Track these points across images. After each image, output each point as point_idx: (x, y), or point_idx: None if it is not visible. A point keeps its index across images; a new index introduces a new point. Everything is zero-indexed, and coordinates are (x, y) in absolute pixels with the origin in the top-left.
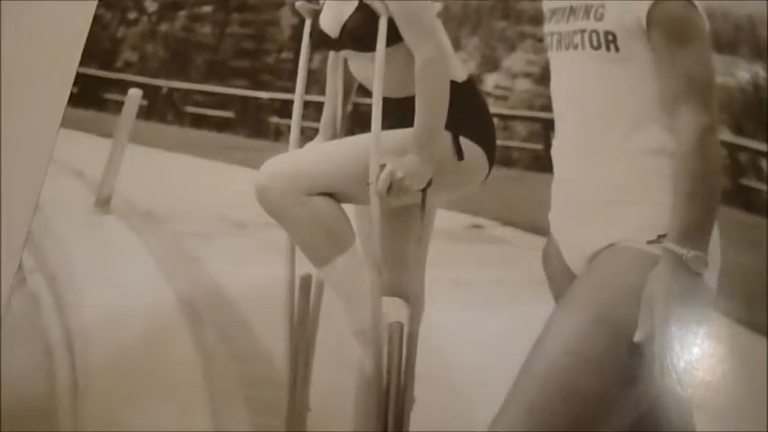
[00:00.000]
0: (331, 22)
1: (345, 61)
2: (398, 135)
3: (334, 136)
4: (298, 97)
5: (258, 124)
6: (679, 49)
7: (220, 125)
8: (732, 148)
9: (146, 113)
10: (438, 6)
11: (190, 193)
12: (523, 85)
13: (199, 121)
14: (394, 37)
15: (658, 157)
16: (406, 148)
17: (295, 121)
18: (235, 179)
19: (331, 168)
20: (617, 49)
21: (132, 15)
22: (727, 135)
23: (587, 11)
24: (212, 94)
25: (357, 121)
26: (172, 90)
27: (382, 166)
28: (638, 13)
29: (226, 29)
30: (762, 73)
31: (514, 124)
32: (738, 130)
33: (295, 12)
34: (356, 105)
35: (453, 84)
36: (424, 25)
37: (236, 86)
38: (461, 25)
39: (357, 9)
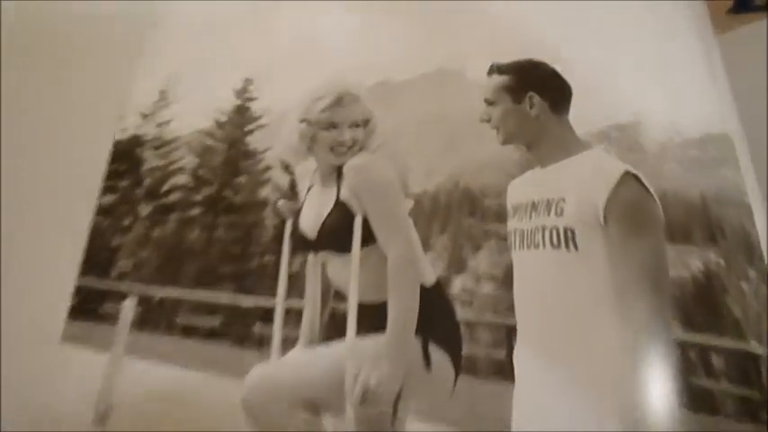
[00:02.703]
0: (311, 222)
1: (323, 267)
2: (372, 342)
3: (312, 342)
4: (279, 306)
5: (243, 331)
6: (635, 240)
7: (208, 334)
8: (683, 346)
9: (139, 323)
10: (410, 203)
11: (180, 412)
12: (487, 288)
13: (188, 331)
14: (368, 238)
15: (616, 355)
16: (380, 354)
17: (276, 330)
18: (221, 391)
19: (309, 379)
20: (575, 247)
21: (127, 221)
22: (677, 331)
23: (548, 206)
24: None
25: (334, 327)
26: (163, 299)
27: (356, 376)
28: (597, 203)
29: (213, 233)
30: (714, 259)
31: (479, 331)
32: (688, 324)
33: (278, 212)
34: (333, 311)
35: (423, 289)
36: (396, 222)
37: (224, 290)
38: (431, 222)
39: (334, 207)
